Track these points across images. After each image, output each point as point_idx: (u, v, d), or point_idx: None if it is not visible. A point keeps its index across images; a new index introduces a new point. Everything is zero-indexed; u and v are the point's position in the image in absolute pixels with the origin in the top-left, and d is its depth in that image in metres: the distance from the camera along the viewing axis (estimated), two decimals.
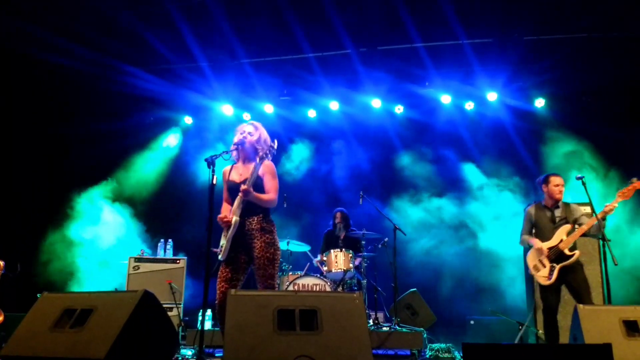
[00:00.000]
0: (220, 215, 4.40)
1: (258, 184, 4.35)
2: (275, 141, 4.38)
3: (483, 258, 7.89)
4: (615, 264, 4.69)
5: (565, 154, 8.05)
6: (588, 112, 8.07)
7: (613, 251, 4.79)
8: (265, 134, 4.58)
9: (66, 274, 7.70)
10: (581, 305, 4.04)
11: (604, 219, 5.03)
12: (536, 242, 5.30)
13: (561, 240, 5.17)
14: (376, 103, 8.70)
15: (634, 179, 5.08)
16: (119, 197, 8.42)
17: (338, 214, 7.66)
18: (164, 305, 5.62)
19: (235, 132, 4.60)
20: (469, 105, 8.60)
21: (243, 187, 4.24)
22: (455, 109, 8.69)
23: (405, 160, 8.78)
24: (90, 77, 8.12)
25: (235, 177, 4.52)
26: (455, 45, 7.85)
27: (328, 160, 9.08)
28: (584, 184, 5.14)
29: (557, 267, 5.13)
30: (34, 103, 8.18)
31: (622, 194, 5.06)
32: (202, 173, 8.77)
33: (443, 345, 5.93)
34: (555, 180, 5.41)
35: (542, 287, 5.25)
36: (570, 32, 7.42)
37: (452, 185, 8.58)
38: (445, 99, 8.55)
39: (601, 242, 5.00)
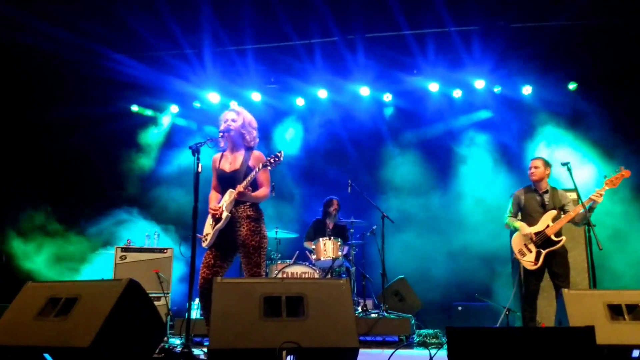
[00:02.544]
0: (212, 208, 4.38)
1: (249, 175, 4.32)
2: (282, 152, 4.21)
3: (471, 245, 7.91)
4: (600, 249, 4.73)
5: (552, 142, 8.10)
6: (575, 99, 8.11)
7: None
8: (248, 117, 4.55)
9: (52, 264, 7.64)
10: (566, 290, 4.07)
11: (591, 208, 5.06)
12: (523, 227, 5.34)
13: (547, 226, 5.21)
14: (364, 91, 8.67)
15: (622, 167, 5.11)
16: (105, 185, 8.36)
17: (335, 202, 7.56)
18: (152, 295, 5.63)
19: (220, 120, 4.57)
20: (457, 93, 8.60)
21: (239, 189, 4.21)
22: (443, 96, 8.69)
23: (394, 148, 8.80)
24: (74, 63, 8.01)
25: (225, 166, 4.49)
26: (442, 32, 7.82)
27: (316, 148, 9.06)
28: (569, 169, 5.18)
29: (544, 252, 5.18)
30: (16, 88, 8.08)
31: (610, 182, 5.09)
32: (189, 161, 8.67)
33: (430, 331, 5.98)
34: (530, 163, 5.54)
35: (525, 271, 5.30)
36: (555, 19, 7.42)
37: (440, 173, 8.60)
38: (433, 86, 8.53)
39: (586, 227, 5.04)
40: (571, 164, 5.22)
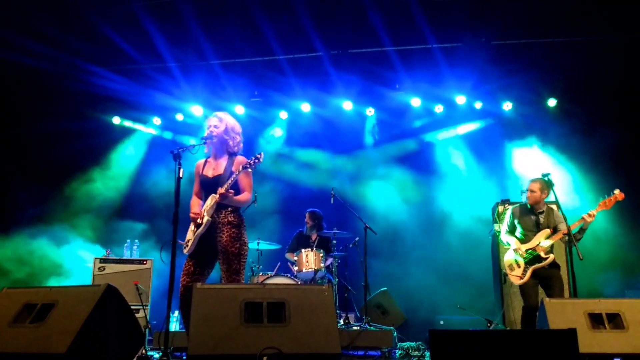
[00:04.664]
0: (193, 213, 4.34)
1: (230, 178, 4.31)
2: (262, 153, 4.27)
3: (454, 258, 7.94)
4: (581, 259, 4.77)
5: (533, 157, 8.20)
6: (554, 115, 8.24)
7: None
8: (231, 123, 4.54)
9: (28, 276, 7.49)
10: (547, 299, 4.12)
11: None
12: (515, 243, 5.39)
13: (539, 244, 5.26)
14: (347, 105, 8.72)
15: (617, 190, 5.10)
16: (84, 198, 8.25)
17: (306, 215, 7.64)
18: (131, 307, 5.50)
19: (204, 126, 4.58)
20: (438, 108, 8.67)
21: (221, 191, 4.20)
22: (425, 111, 8.77)
23: (376, 162, 8.84)
24: (54, 76, 7.93)
25: (208, 172, 4.48)
26: (424, 49, 7.94)
27: (300, 161, 9.06)
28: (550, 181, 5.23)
29: (530, 268, 5.22)
30: None
31: (603, 204, 5.11)
32: (170, 173, 8.60)
33: (413, 344, 5.93)
34: (528, 185, 5.50)
35: (522, 285, 5.31)
36: (535, 36, 7.58)
37: (422, 186, 8.63)
38: (415, 101, 8.61)
39: (567, 237, 5.07)
40: (551, 175, 5.27)
